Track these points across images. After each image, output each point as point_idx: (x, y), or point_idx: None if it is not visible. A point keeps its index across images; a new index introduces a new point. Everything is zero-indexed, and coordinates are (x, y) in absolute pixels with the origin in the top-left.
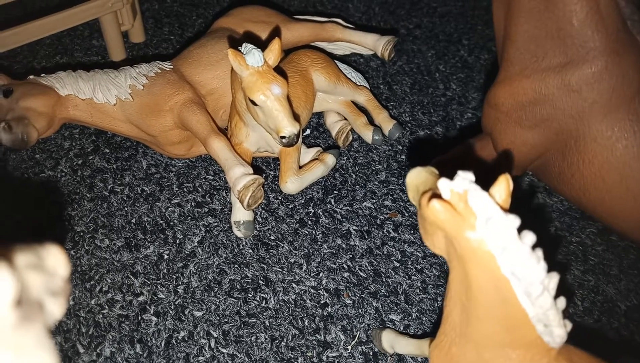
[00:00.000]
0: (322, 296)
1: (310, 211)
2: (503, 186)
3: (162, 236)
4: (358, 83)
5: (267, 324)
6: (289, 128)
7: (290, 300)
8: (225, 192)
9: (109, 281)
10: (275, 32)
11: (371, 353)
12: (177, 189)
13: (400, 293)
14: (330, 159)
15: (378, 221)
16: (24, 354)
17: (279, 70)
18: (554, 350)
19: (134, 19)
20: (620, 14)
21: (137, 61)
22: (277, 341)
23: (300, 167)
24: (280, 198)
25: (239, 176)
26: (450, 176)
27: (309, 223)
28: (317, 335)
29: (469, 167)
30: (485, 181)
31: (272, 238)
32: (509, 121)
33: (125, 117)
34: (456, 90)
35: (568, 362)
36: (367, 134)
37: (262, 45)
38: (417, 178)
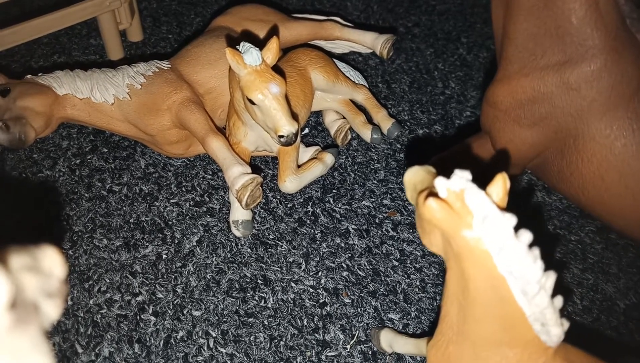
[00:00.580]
0: (321, 296)
1: (309, 210)
2: (500, 184)
3: (160, 235)
4: (357, 82)
5: (266, 323)
6: (287, 127)
7: (289, 299)
8: (224, 191)
9: (108, 281)
10: (274, 31)
11: (370, 352)
12: (175, 188)
13: (399, 292)
14: (329, 158)
15: (377, 220)
16: (19, 357)
17: (277, 69)
18: (551, 349)
19: (132, 18)
20: (620, 12)
21: (135, 60)
22: (276, 340)
23: (298, 166)
24: (278, 197)
25: (238, 176)
26: (449, 174)
27: (308, 222)
28: (316, 335)
29: (468, 166)
30: (484, 180)
31: (271, 237)
32: (507, 119)
33: (123, 117)
34: (455, 88)
35: (565, 361)
36: (366, 133)
37: (260, 44)
38: (414, 176)
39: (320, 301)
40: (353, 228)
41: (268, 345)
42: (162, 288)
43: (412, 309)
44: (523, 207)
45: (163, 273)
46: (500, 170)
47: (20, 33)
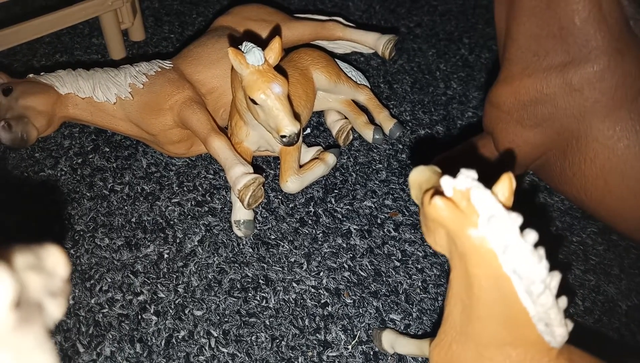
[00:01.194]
0: (322, 296)
1: (311, 211)
2: (506, 184)
3: (162, 235)
4: (359, 82)
5: (268, 323)
6: (290, 127)
7: (291, 299)
8: (226, 191)
9: (109, 280)
10: (276, 31)
11: (371, 353)
12: (177, 188)
13: (400, 292)
14: (330, 158)
15: (379, 221)
16: (23, 356)
17: (280, 69)
18: (555, 350)
19: (134, 17)
20: (623, 13)
21: (137, 59)
22: (278, 340)
23: (300, 166)
24: (280, 197)
25: (239, 175)
26: (453, 174)
27: (310, 222)
28: (317, 335)
29: (471, 166)
30: (485, 180)
31: (273, 237)
32: (510, 120)
33: (125, 116)
34: (457, 89)
35: (568, 362)
36: (368, 133)
37: (263, 44)
38: (420, 175)
39: (322, 301)
40: (355, 229)
41: (269, 345)
42: (164, 288)
43: (414, 310)
44: (525, 208)
45: (165, 272)
46: (504, 170)
47: (22, 32)
